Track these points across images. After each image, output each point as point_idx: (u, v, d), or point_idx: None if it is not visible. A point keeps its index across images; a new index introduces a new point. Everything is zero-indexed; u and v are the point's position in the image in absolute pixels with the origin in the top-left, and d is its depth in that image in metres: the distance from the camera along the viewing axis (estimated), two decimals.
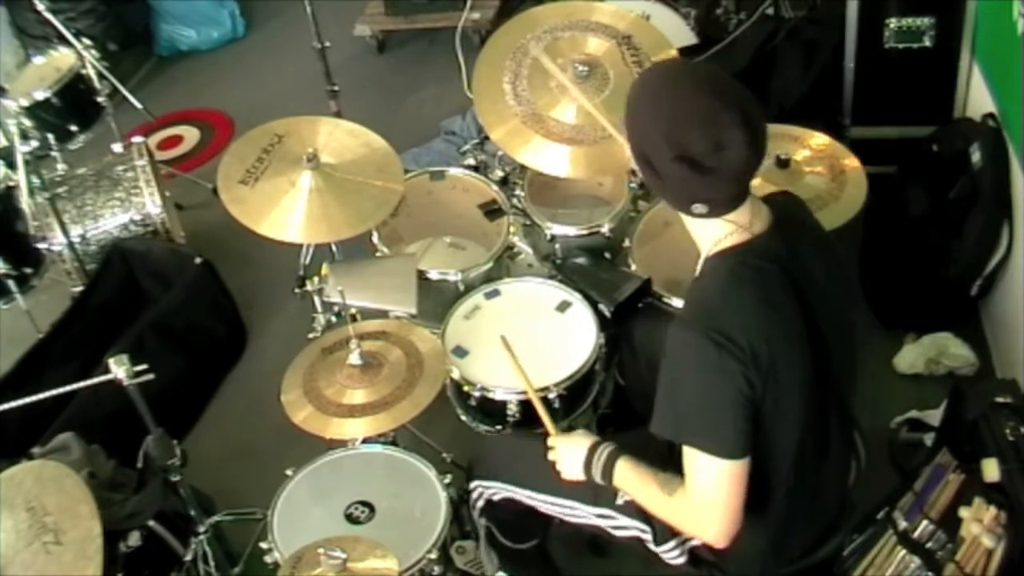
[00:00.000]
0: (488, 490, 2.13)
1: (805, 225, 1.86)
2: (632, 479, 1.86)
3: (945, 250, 2.89)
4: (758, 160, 1.66)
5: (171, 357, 3.06)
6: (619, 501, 1.96)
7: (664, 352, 1.72)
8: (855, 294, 1.99)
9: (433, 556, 2.12)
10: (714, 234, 1.74)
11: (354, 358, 2.30)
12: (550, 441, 2.03)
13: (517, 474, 2.09)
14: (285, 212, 2.50)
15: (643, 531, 1.96)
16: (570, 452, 1.95)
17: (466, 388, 2.41)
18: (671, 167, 1.64)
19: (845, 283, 1.90)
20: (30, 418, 2.43)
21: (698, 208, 1.69)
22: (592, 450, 1.91)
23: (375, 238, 2.77)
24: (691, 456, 1.71)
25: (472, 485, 2.17)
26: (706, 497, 1.71)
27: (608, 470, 1.88)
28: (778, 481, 1.78)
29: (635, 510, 1.94)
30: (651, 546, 1.96)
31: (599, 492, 1.97)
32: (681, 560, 1.94)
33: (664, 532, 1.93)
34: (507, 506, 2.12)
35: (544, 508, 2.06)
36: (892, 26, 3.20)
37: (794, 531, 1.89)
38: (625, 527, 1.98)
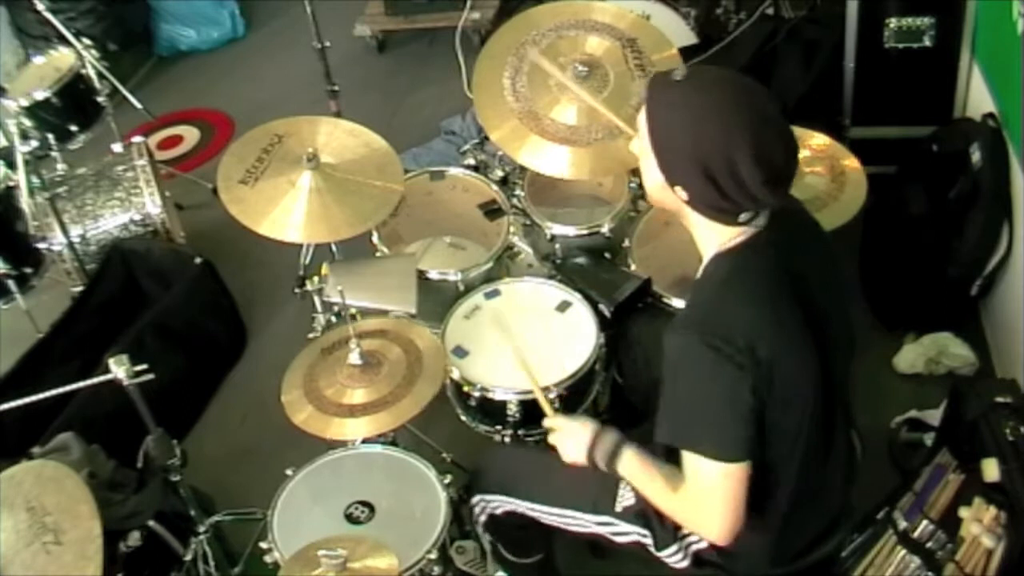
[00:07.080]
0: (490, 504, 2.13)
1: (801, 220, 1.86)
2: (638, 469, 1.83)
3: (945, 250, 2.89)
4: None
5: (171, 357, 3.06)
6: (617, 508, 1.95)
7: (663, 353, 1.71)
8: (852, 292, 1.98)
9: (433, 556, 2.11)
10: (727, 234, 1.72)
11: (354, 358, 2.30)
12: (548, 422, 2.01)
13: (517, 486, 2.08)
14: (285, 212, 2.50)
15: (644, 536, 1.95)
16: (572, 434, 1.93)
17: (466, 388, 2.41)
18: (751, 172, 1.58)
19: (842, 278, 1.89)
20: (30, 418, 2.42)
21: (744, 216, 1.66)
22: (596, 434, 1.89)
23: (375, 238, 2.77)
24: (690, 459, 1.70)
25: (474, 500, 2.16)
26: (705, 498, 1.70)
27: (613, 455, 1.85)
28: (785, 480, 1.77)
29: (635, 515, 1.94)
30: (652, 551, 1.95)
31: (598, 500, 1.97)
32: (684, 564, 1.92)
33: (665, 537, 1.91)
34: (510, 519, 2.12)
35: (545, 519, 2.06)
36: (892, 26, 3.20)
37: (799, 529, 1.88)
38: (626, 533, 1.97)
